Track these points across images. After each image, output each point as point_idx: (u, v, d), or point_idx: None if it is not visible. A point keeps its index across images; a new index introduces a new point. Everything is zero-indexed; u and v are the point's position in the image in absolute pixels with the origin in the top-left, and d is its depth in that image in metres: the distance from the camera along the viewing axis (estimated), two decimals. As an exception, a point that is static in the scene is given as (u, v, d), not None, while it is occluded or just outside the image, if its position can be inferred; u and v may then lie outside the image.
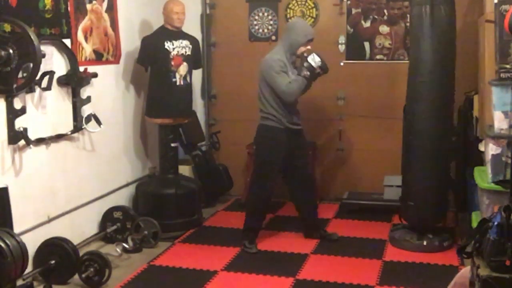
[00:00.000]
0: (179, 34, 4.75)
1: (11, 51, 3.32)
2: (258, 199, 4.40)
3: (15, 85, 3.38)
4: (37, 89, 3.73)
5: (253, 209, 4.44)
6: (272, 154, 4.31)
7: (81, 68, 4.11)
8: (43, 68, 3.60)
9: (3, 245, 3.03)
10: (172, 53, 4.64)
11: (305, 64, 4.16)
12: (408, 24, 5.14)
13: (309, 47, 4.26)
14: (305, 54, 4.21)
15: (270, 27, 5.66)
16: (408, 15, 5.09)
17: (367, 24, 5.44)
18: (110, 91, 4.65)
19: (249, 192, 4.62)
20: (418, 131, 4.26)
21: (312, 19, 5.57)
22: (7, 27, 3.39)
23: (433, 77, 4.17)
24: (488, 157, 3.73)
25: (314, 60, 4.14)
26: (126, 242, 4.22)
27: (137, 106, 5.03)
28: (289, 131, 4.28)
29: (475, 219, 4.06)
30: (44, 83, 3.74)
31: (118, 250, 4.06)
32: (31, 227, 3.72)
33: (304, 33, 4.24)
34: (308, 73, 4.15)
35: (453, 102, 4.36)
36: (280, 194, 5.15)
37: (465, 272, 2.29)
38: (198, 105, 5.80)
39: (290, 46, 4.24)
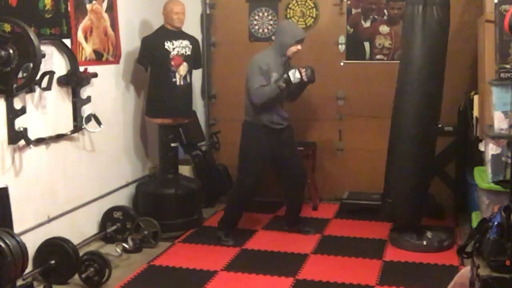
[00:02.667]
0: (179, 34, 4.75)
1: (11, 51, 3.32)
2: (239, 194, 4.49)
3: (15, 85, 3.38)
4: (37, 89, 3.73)
5: (233, 204, 4.54)
6: (253, 150, 4.39)
7: (81, 68, 4.11)
8: (43, 68, 3.60)
9: (3, 245, 3.02)
10: (172, 53, 4.64)
11: (285, 76, 4.25)
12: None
13: (299, 47, 4.35)
14: (291, 66, 4.33)
15: (270, 27, 5.66)
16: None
17: (367, 24, 5.44)
18: (110, 91, 4.65)
19: (232, 187, 4.70)
20: (402, 131, 4.27)
21: (312, 19, 5.57)
22: (7, 27, 3.40)
23: (419, 77, 4.16)
24: (488, 157, 3.74)
25: (294, 75, 4.23)
26: (126, 242, 4.22)
27: (137, 106, 5.03)
28: (269, 129, 4.35)
29: (475, 219, 4.06)
30: (44, 83, 3.74)
31: (118, 250, 4.07)
32: (31, 227, 3.72)
33: (292, 34, 4.33)
34: (284, 85, 4.24)
35: (440, 103, 4.33)
36: (280, 194, 5.15)
37: (465, 272, 2.29)
38: (198, 105, 5.80)
39: (280, 47, 4.35)
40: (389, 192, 4.39)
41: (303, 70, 4.25)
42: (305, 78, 4.25)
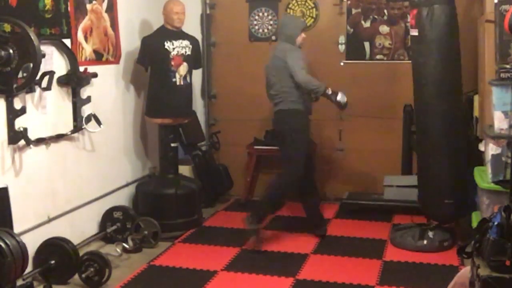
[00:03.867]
0: (179, 34, 4.75)
1: (11, 51, 3.32)
2: (289, 184, 4.42)
3: (15, 85, 3.38)
4: (37, 89, 3.73)
5: (279, 194, 4.53)
6: (302, 137, 4.43)
7: (81, 68, 4.11)
8: (43, 68, 3.60)
9: (3, 245, 3.02)
10: (172, 53, 4.64)
11: (335, 93, 4.40)
12: (408, 24, 5.13)
13: (304, 35, 4.50)
14: (340, 93, 4.45)
15: (270, 27, 5.66)
16: (408, 15, 5.08)
17: (367, 24, 5.44)
18: (110, 91, 4.65)
19: (279, 175, 4.53)
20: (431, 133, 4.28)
21: (312, 19, 5.57)
22: (7, 27, 3.39)
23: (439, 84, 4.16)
24: (488, 157, 3.74)
25: (343, 98, 4.43)
26: (126, 242, 4.22)
27: (137, 106, 5.03)
28: (307, 116, 4.50)
29: (475, 219, 4.06)
30: (44, 83, 3.74)
31: (118, 250, 4.07)
32: (31, 227, 3.72)
33: (294, 25, 4.51)
34: (330, 92, 4.39)
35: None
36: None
37: (465, 272, 2.29)
38: (198, 105, 5.80)
39: (290, 40, 4.45)
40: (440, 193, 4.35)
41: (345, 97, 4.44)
42: (343, 105, 4.47)
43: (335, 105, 4.48)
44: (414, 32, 4.15)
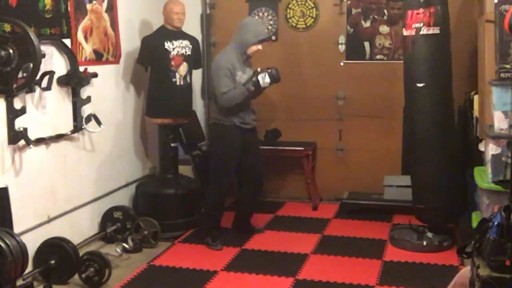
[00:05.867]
0: (179, 34, 4.75)
1: (11, 51, 3.32)
2: (214, 196, 4.44)
3: (15, 85, 3.38)
4: (37, 89, 3.73)
5: (210, 207, 4.50)
6: (228, 151, 4.36)
7: (81, 68, 4.11)
8: (43, 68, 3.60)
9: (3, 245, 3.03)
10: (172, 53, 4.64)
11: (254, 79, 4.21)
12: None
13: (260, 47, 4.29)
14: (259, 70, 4.25)
15: (270, 27, 5.66)
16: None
17: (367, 24, 5.44)
18: (110, 91, 4.65)
19: (205, 191, 4.60)
20: (422, 135, 4.28)
21: (312, 19, 5.57)
22: (7, 27, 3.39)
23: (428, 82, 4.17)
24: (488, 157, 3.74)
25: (263, 79, 4.20)
26: (126, 242, 4.22)
27: (137, 106, 5.03)
28: (240, 129, 4.34)
29: (475, 219, 4.06)
30: (44, 83, 3.74)
31: (118, 250, 4.06)
32: (31, 227, 3.72)
33: (255, 33, 4.27)
34: (253, 88, 4.21)
35: (453, 103, 4.35)
36: (280, 195, 5.16)
37: (465, 272, 2.29)
38: (198, 105, 5.80)
39: (240, 45, 4.28)
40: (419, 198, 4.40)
41: (268, 72, 4.20)
42: (272, 81, 4.23)
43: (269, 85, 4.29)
44: (431, 30, 4.12)
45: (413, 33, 4.15)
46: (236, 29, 4.38)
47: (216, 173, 4.45)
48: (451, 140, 4.32)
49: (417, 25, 4.12)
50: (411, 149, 4.45)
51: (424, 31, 4.10)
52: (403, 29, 4.26)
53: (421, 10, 4.09)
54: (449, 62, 4.25)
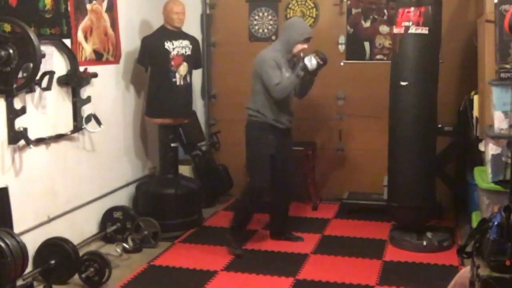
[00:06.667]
0: (179, 34, 4.75)
1: (11, 51, 3.32)
2: (252, 197, 4.34)
3: (15, 85, 3.38)
4: (37, 89, 3.73)
5: (245, 208, 4.41)
6: (265, 151, 4.28)
7: (81, 68, 4.11)
8: (43, 68, 3.60)
9: (3, 245, 3.03)
10: (172, 53, 4.64)
11: (301, 64, 4.17)
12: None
13: (305, 46, 4.26)
14: (302, 55, 4.22)
15: (270, 27, 5.66)
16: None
17: (367, 24, 5.44)
18: (110, 91, 4.65)
19: (242, 191, 4.56)
20: (400, 133, 4.32)
21: (312, 19, 5.57)
22: (7, 27, 3.39)
23: (413, 80, 4.18)
24: (488, 157, 3.73)
25: (310, 61, 4.14)
26: (126, 242, 4.22)
27: (137, 106, 5.03)
28: (275, 129, 4.28)
29: (475, 219, 4.06)
30: (44, 83, 3.74)
31: (118, 250, 4.07)
32: (31, 227, 3.72)
33: (301, 31, 4.25)
34: (302, 73, 4.15)
35: (436, 101, 4.36)
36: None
37: (465, 272, 2.29)
38: (198, 105, 5.81)
39: (287, 43, 4.25)
40: (393, 196, 4.42)
41: (314, 55, 4.15)
42: (320, 61, 4.15)
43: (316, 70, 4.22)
44: (420, 30, 4.12)
45: (402, 31, 4.16)
46: (281, 29, 4.39)
47: (253, 175, 4.37)
48: (431, 140, 4.33)
49: (406, 23, 4.13)
50: (390, 147, 4.45)
51: (412, 30, 4.12)
52: (394, 26, 4.27)
53: (412, 9, 4.10)
54: (435, 63, 4.26)
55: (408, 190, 4.33)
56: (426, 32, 4.10)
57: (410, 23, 4.11)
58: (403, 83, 4.19)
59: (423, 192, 4.33)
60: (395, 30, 4.24)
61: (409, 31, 4.12)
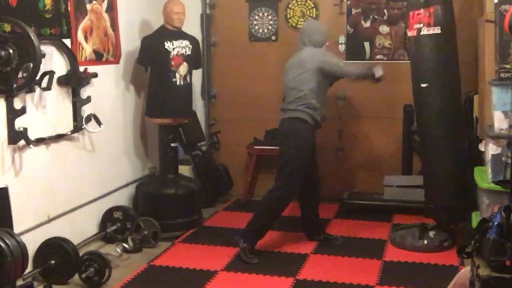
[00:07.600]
0: (179, 34, 4.75)
1: (11, 51, 3.32)
2: (281, 201, 4.18)
3: (15, 85, 3.38)
4: (37, 89, 3.73)
5: (271, 211, 4.21)
6: (304, 155, 4.18)
7: (81, 68, 4.11)
8: (43, 68, 3.60)
9: (3, 245, 3.03)
10: (172, 53, 4.64)
11: (372, 68, 4.38)
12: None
13: (327, 43, 4.45)
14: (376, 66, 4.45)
15: (270, 27, 5.66)
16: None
17: (367, 24, 5.44)
18: (110, 91, 4.65)
19: (271, 190, 4.24)
20: (429, 136, 4.30)
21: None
22: (7, 27, 3.39)
23: (433, 81, 4.16)
24: (488, 157, 3.74)
25: (377, 71, 4.36)
26: (126, 242, 4.22)
27: (137, 106, 5.03)
28: (315, 129, 4.29)
29: (475, 219, 4.06)
30: (44, 83, 3.74)
31: (118, 250, 4.07)
32: (31, 227, 3.72)
33: (323, 31, 4.40)
34: (365, 71, 4.38)
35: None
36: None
37: (465, 272, 2.29)
38: (198, 105, 5.80)
39: (316, 45, 4.32)
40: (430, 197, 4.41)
41: (382, 68, 4.38)
42: (382, 77, 4.39)
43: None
44: (432, 30, 4.11)
45: (415, 33, 4.15)
46: (304, 35, 4.34)
47: (288, 177, 4.14)
48: (457, 140, 4.29)
49: (418, 25, 4.12)
50: (423, 150, 4.46)
51: (425, 31, 4.10)
52: (407, 30, 4.28)
53: (421, 11, 4.09)
54: (454, 61, 4.22)
55: (442, 191, 4.29)
56: (439, 31, 4.07)
57: (422, 24, 4.09)
58: (423, 85, 4.18)
59: (455, 192, 4.28)
60: (409, 34, 4.24)
61: (422, 33, 4.10)
